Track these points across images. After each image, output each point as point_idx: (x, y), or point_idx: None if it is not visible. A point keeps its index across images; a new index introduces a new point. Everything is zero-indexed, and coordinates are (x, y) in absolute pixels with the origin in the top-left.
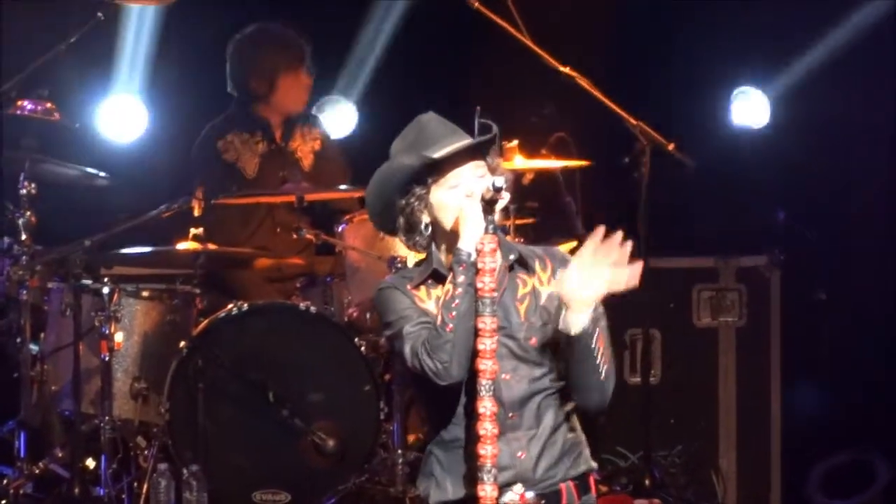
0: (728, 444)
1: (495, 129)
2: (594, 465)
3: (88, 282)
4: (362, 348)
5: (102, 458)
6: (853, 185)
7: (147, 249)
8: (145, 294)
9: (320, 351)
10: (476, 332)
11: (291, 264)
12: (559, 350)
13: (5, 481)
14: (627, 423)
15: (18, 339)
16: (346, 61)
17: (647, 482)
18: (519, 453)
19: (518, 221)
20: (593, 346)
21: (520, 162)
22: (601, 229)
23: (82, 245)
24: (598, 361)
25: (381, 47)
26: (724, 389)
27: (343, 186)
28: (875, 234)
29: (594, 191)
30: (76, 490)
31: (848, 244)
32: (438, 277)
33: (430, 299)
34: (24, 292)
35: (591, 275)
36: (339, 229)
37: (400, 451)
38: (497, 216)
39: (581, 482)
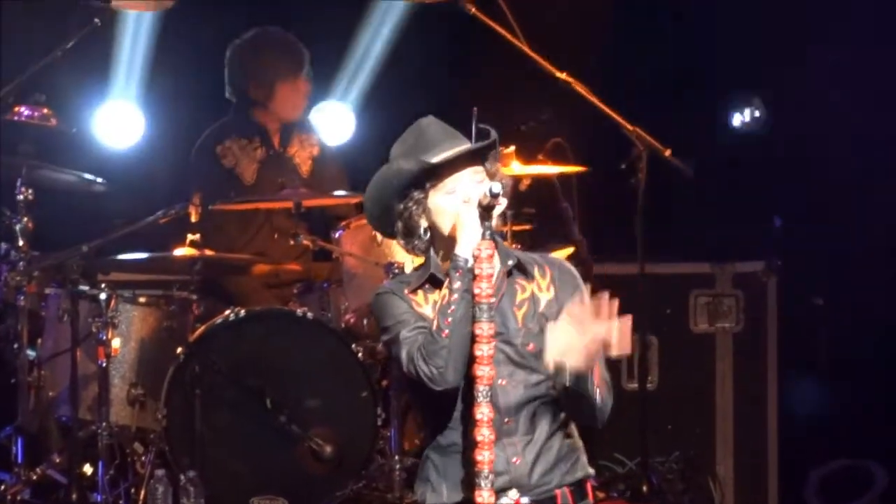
0: (725, 450)
1: (494, 134)
2: (591, 471)
3: (86, 288)
4: (359, 354)
5: (100, 464)
6: (850, 191)
7: (144, 255)
8: (142, 300)
9: (317, 357)
10: (473, 338)
11: (288, 270)
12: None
13: (3, 487)
14: (625, 430)
15: (16, 345)
16: (344, 66)
17: (644, 488)
18: (514, 459)
19: (515, 227)
20: (588, 385)
21: (516, 167)
22: (585, 298)
23: (79, 251)
24: (593, 396)
25: (378, 52)
26: (721, 395)
27: (340, 192)
28: (872, 239)
29: (591, 196)
30: (74, 496)
31: (844, 250)
32: (436, 282)
33: (427, 304)
34: (22, 298)
35: (577, 340)
36: (337, 235)
37: (397, 457)
38: (494, 222)
39: (577, 488)
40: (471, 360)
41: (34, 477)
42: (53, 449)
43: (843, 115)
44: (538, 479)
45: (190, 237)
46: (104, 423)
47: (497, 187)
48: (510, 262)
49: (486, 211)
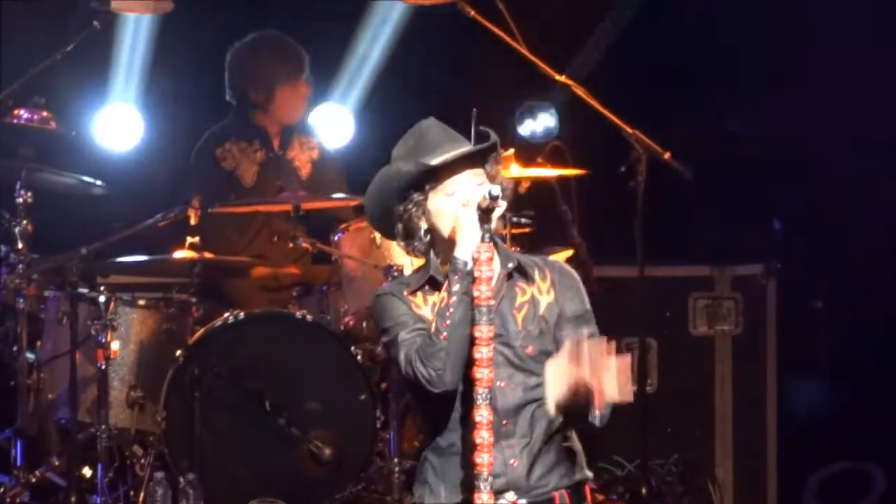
0: (724, 453)
1: (494, 137)
2: (590, 474)
3: (85, 290)
4: (359, 357)
5: (99, 466)
6: (849, 195)
7: (143, 258)
8: (142, 303)
9: (317, 360)
10: (472, 341)
11: (287, 273)
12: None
13: (2, 490)
14: (624, 432)
15: (15, 348)
16: (343, 68)
17: (643, 491)
18: (512, 461)
19: (514, 230)
20: (589, 412)
21: (516, 171)
22: (583, 339)
23: (79, 254)
24: (594, 420)
25: (377, 55)
26: (720, 398)
27: (340, 195)
28: (871, 242)
29: (590, 199)
30: (73, 499)
31: (844, 253)
32: (435, 284)
33: (426, 305)
34: (21, 301)
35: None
36: (336, 238)
37: (396, 460)
38: (494, 224)
39: (575, 491)
40: (470, 362)
41: (33, 479)
42: (53, 451)
43: (843, 117)
44: (536, 481)
45: (189, 240)
46: (103, 426)
47: (496, 190)
48: (510, 265)
49: (485, 214)
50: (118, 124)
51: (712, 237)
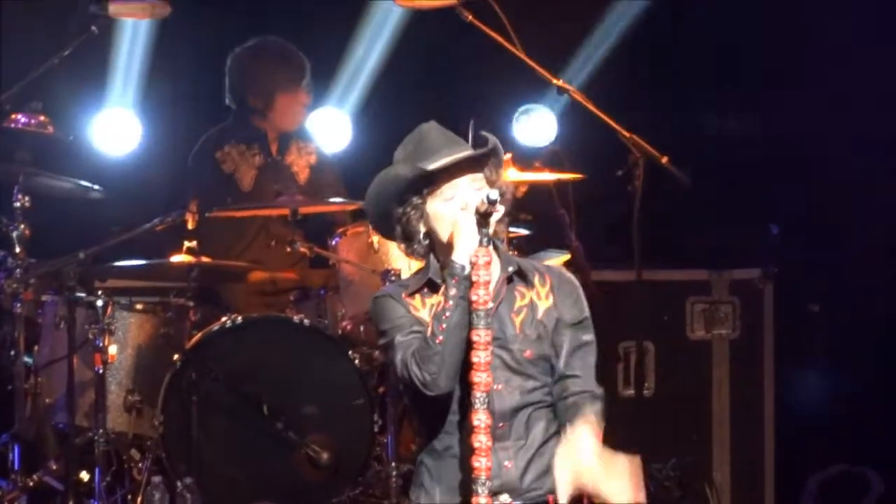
0: (722, 457)
1: (493, 142)
2: None
3: (82, 295)
4: (356, 361)
5: (96, 470)
6: (847, 199)
7: (141, 262)
8: (139, 307)
9: (314, 364)
10: (470, 345)
11: (285, 277)
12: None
13: (0, 494)
14: (621, 436)
15: (12, 352)
16: (341, 73)
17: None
18: (506, 463)
19: (512, 234)
20: None
21: (513, 175)
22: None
23: (76, 258)
24: None
25: (375, 59)
26: (717, 402)
27: (337, 199)
28: (869, 244)
29: (588, 204)
30: (70, 503)
31: (841, 255)
32: (433, 286)
33: (424, 308)
34: (18, 305)
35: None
36: (333, 242)
37: (394, 464)
38: (493, 228)
39: None
40: (468, 365)
41: (31, 484)
42: (50, 456)
43: (841, 119)
44: (530, 484)
45: (187, 244)
46: (101, 430)
47: (494, 194)
48: (510, 269)
49: (483, 218)
50: (116, 129)
51: (710, 241)
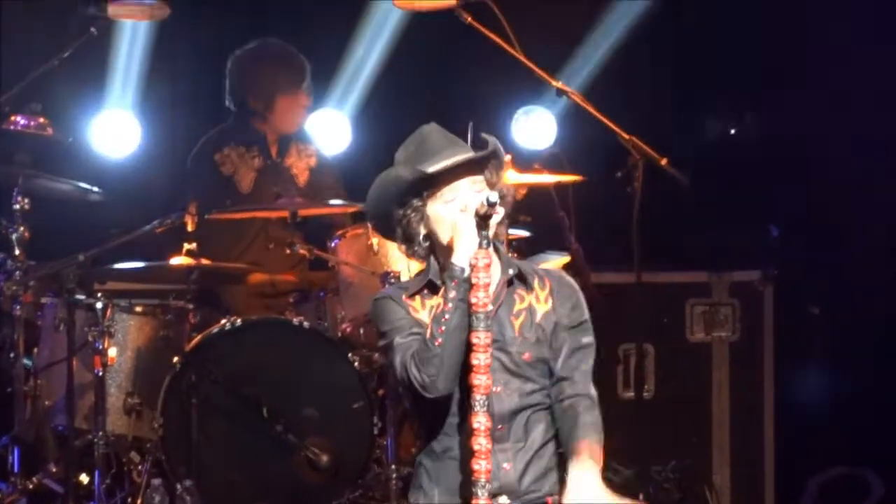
0: (722, 459)
1: (493, 144)
2: None
3: (82, 297)
4: (356, 363)
5: (96, 473)
6: (847, 198)
7: (140, 265)
8: (139, 309)
9: (314, 366)
10: (470, 347)
11: (285, 280)
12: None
13: (0, 496)
14: (621, 438)
15: (12, 355)
16: (340, 74)
17: (640, 497)
18: (505, 465)
19: (511, 236)
20: None
21: (513, 177)
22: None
23: (76, 260)
24: None
25: (375, 60)
26: (717, 404)
27: (337, 202)
28: (868, 248)
29: (587, 206)
30: None
31: (841, 257)
32: (433, 288)
33: (423, 309)
34: (18, 307)
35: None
36: (333, 245)
37: (393, 466)
38: (493, 231)
39: None
40: (467, 368)
41: (30, 486)
42: (50, 458)
43: (841, 120)
44: (528, 486)
45: (186, 246)
46: (100, 433)
47: (494, 196)
48: (511, 272)
49: (483, 220)
50: (115, 131)
51: (709, 243)
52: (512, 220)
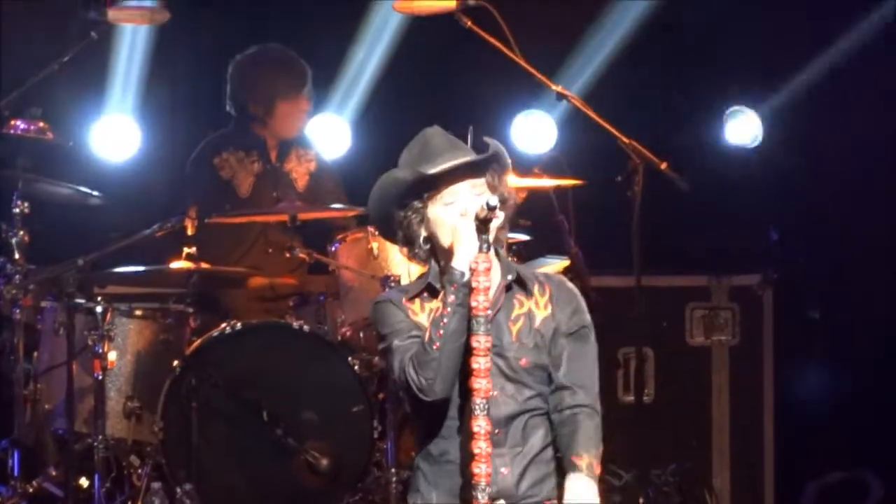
0: (721, 463)
1: (494, 147)
2: None
3: (82, 301)
4: (356, 367)
5: (96, 476)
6: (846, 204)
7: (140, 268)
8: (138, 313)
9: (314, 370)
10: (470, 351)
11: (285, 283)
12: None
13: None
14: (621, 442)
15: (12, 358)
16: (340, 79)
17: (640, 501)
18: (502, 470)
19: (511, 240)
20: None
21: (512, 181)
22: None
23: (75, 264)
24: None
25: (375, 65)
26: (717, 408)
27: (337, 205)
28: (868, 252)
29: (587, 209)
30: None
31: (841, 262)
32: (433, 291)
33: (423, 312)
34: (18, 311)
35: None
36: (333, 248)
37: (393, 470)
38: (492, 235)
39: None
40: (467, 372)
41: (30, 490)
42: (50, 462)
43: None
44: (526, 491)
45: (186, 250)
46: (100, 436)
47: (494, 200)
48: (510, 277)
49: (483, 224)
50: (115, 135)
51: (709, 247)
52: (512, 223)
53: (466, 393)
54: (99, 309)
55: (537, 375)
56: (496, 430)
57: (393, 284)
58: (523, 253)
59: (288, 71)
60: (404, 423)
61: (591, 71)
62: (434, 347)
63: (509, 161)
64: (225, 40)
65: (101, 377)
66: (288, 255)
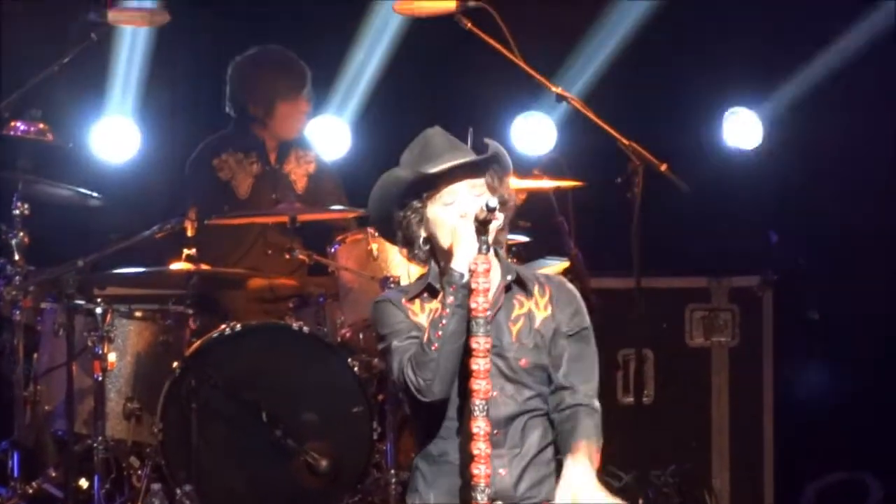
0: (721, 464)
1: (493, 148)
2: None
3: (81, 302)
4: (355, 368)
5: (96, 478)
6: (845, 206)
7: (140, 270)
8: (138, 314)
9: (313, 371)
10: (470, 352)
11: (284, 285)
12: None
13: None
14: (620, 443)
15: (12, 360)
16: (340, 80)
17: (640, 502)
18: (501, 471)
19: (510, 241)
20: None
21: (512, 182)
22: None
23: (75, 265)
24: None
25: (374, 66)
26: (716, 409)
27: (336, 207)
28: (868, 252)
29: (587, 211)
30: None
31: (840, 264)
32: (433, 291)
33: (423, 313)
34: (18, 313)
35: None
36: (333, 250)
37: (393, 471)
38: (491, 236)
39: None
40: (466, 373)
41: (30, 491)
42: (49, 463)
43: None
44: (524, 492)
45: (186, 251)
46: (100, 438)
47: (493, 202)
48: (509, 277)
49: (482, 225)
50: (115, 136)
51: (709, 249)
52: (511, 225)
53: (466, 394)
54: (99, 310)
55: (537, 376)
56: (495, 431)
57: (392, 285)
58: (523, 254)
59: (288, 72)
60: (404, 424)
61: (590, 72)
62: (432, 348)
63: (510, 163)
64: (225, 42)
65: (100, 378)
66: (287, 256)
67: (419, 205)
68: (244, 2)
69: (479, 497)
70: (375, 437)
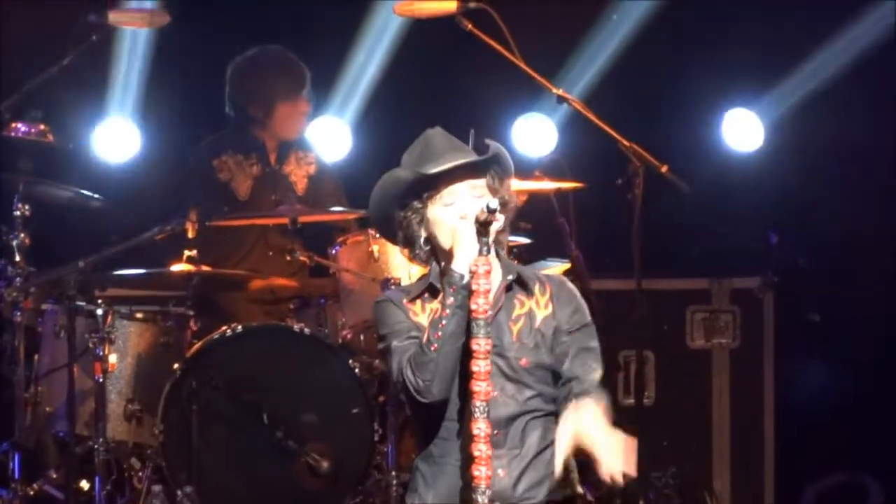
0: (722, 466)
1: (494, 149)
2: (580, 490)
3: (82, 303)
4: (356, 370)
5: (96, 479)
6: (846, 208)
7: (141, 271)
8: (139, 316)
9: (314, 372)
10: (470, 353)
11: (285, 286)
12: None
13: (0, 503)
14: None
15: (13, 361)
16: (340, 82)
17: (640, 503)
18: (500, 472)
19: (511, 243)
20: None
21: (513, 183)
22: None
23: (76, 267)
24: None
25: (375, 67)
26: (717, 411)
27: (336, 208)
28: (868, 254)
29: (588, 212)
30: None
31: (841, 266)
32: (434, 292)
33: (423, 313)
34: (19, 314)
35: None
36: (333, 251)
37: (394, 473)
38: (492, 237)
39: None
40: (467, 374)
41: (31, 493)
42: (50, 465)
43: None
44: (523, 493)
45: (187, 253)
46: (101, 439)
47: (494, 203)
48: (510, 277)
49: (482, 227)
50: (116, 137)
51: (710, 250)
52: (512, 226)
53: (466, 395)
54: (100, 311)
55: (538, 375)
56: (495, 432)
57: (393, 287)
58: (524, 256)
59: (287, 73)
60: (405, 425)
61: (591, 74)
62: (432, 349)
63: (511, 164)
64: (225, 43)
65: (101, 380)
66: (288, 257)
67: (419, 205)
68: (244, 2)
69: (479, 499)
70: (376, 438)
